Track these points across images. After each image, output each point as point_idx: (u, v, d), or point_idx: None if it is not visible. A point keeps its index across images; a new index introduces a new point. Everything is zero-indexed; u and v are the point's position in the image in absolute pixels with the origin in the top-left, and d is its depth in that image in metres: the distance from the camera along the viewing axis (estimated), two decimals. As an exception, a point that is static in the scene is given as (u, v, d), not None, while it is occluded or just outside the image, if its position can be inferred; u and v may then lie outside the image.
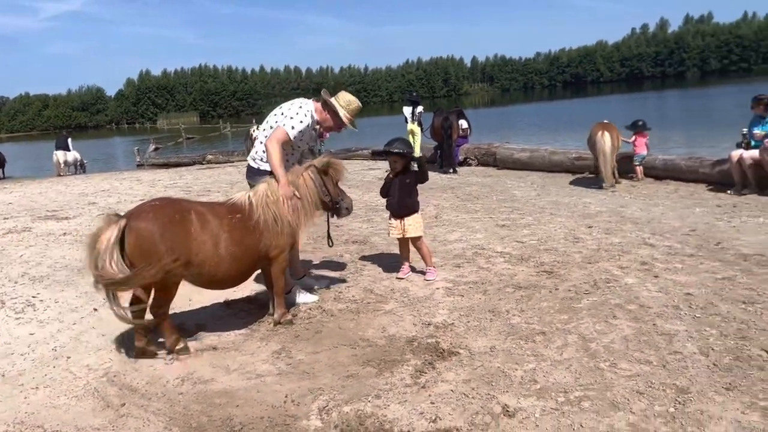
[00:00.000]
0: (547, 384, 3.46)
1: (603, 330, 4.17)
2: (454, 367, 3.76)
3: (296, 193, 4.58)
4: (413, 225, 5.54)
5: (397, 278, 5.64)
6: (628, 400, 3.22)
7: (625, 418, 3.05)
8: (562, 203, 8.92)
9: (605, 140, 9.73)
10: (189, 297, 5.25)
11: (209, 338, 4.53)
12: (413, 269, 5.78)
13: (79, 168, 21.75)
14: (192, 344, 4.36)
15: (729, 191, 8.80)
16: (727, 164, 9.07)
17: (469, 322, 4.48)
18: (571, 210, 8.34)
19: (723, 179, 9.21)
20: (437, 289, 5.28)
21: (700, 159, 10.07)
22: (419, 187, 5.66)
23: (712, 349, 3.74)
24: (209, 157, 21.59)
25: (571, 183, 11.02)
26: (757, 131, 8.68)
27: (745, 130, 8.96)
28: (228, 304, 5.25)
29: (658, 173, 10.49)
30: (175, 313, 4.48)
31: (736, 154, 8.83)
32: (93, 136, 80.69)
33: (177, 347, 4.21)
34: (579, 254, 6.06)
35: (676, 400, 3.18)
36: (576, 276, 5.37)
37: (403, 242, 5.69)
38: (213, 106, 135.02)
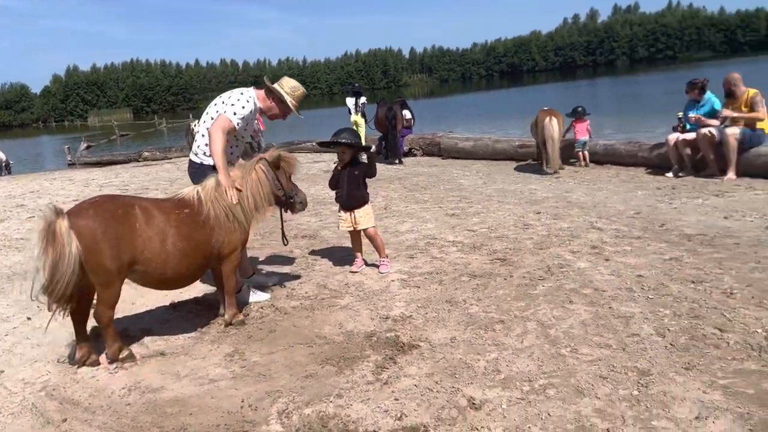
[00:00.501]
0: (510, 373, 3.42)
1: (561, 315, 4.17)
2: (416, 361, 3.67)
3: (237, 184, 4.36)
4: (364, 216, 5.42)
5: (350, 272, 5.51)
6: (593, 385, 3.21)
7: (591, 404, 3.03)
8: (508, 190, 8.98)
9: (553, 126, 9.87)
10: (132, 300, 4.98)
11: (156, 343, 4.29)
12: (366, 262, 5.66)
13: (3, 169, 20.58)
14: (137, 351, 4.12)
15: (667, 174, 9.06)
16: (665, 148, 9.34)
17: (427, 313, 4.40)
18: (518, 197, 8.40)
19: (661, 162, 9.48)
20: (392, 281, 5.19)
21: (638, 143, 10.35)
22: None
23: (668, 330, 3.78)
24: (146, 154, 20.82)
25: (516, 170, 11.14)
26: (692, 115, 8.96)
27: (680, 114, 9.24)
28: (174, 306, 5.00)
29: (599, 158, 10.72)
30: (117, 319, 4.21)
31: (672, 137, 9.10)
32: (18, 135, 76.87)
33: (121, 355, 3.96)
34: (530, 240, 6.08)
35: (639, 382, 3.19)
36: (529, 262, 5.38)
37: (355, 235, 5.56)
38: (147, 102, 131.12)
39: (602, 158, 10.69)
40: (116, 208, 3.81)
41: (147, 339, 4.36)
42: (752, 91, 8.48)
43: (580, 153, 10.67)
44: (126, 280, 3.96)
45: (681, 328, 3.79)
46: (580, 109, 10.78)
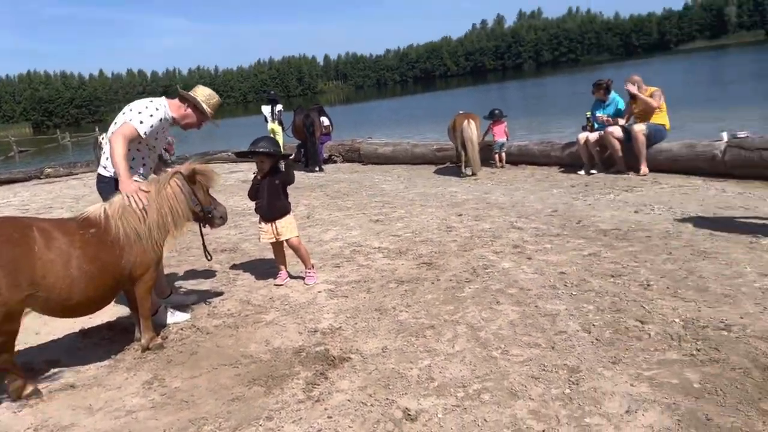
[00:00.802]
0: (444, 380, 3.37)
1: (489, 317, 4.17)
2: (348, 374, 3.56)
3: (143, 188, 4.10)
4: (286, 227, 5.26)
5: (274, 285, 5.33)
6: (525, 386, 3.20)
7: (526, 406, 3.02)
8: (430, 194, 9.03)
9: (472, 129, 10.03)
10: (36, 329, 4.60)
11: (65, 375, 3.95)
12: (290, 274, 5.49)
13: None
14: (44, 385, 3.78)
15: (579, 172, 9.40)
16: (576, 147, 9.69)
17: (356, 323, 4.30)
18: (440, 200, 8.46)
19: (573, 161, 9.82)
20: (319, 292, 5.05)
21: (551, 143, 10.69)
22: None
23: (593, 325, 3.85)
24: (48, 170, 19.54)
25: (435, 173, 11.25)
26: (600, 114, 9.35)
27: (588, 113, 9.63)
28: (85, 333, 4.65)
29: (513, 159, 10.99)
30: (19, 351, 3.86)
31: (582, 136, 9.45)
32: None
33: (25, 392, 3.61)
34: (454, 243, 6.11)
35: (570, 380, 3.22)
36: (455, 265, 5.39)
37: (277, 246, 5.38)
38: (48, 115, 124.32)
39: (517, 159, 10.97)
40: (11, 231, 3.48)
41: (54, 371, 4.01)
42: (652, 89, 8.99)
43: (497, 154, 10.90)
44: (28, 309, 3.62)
45: (605, 323, 3.88)
46: (497, 111, 11.02)
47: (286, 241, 5.26)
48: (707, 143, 8.36)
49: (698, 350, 3.37)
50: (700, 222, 5.88)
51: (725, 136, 8.18)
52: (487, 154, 10.97)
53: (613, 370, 3.28)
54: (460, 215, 7.33)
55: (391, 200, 8.78)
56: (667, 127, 8.99)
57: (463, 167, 10.56)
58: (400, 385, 3.36)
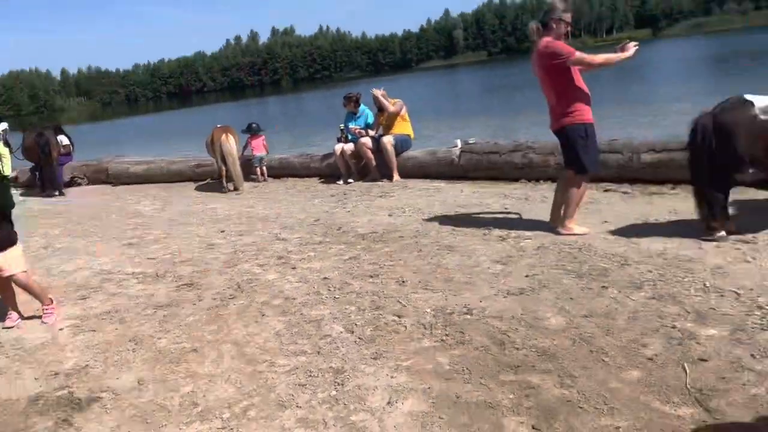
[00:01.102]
0: (208, 404, 3.19)
1: (255, 331, 4.08)
2: (98, 416, 3.18)
3: None
4: (10, 260, 4.50)
5: (3, 329, 4.57)
6: (293, 395, 3.18)
7: (294, 415, 2.99)
8: (190, 212, 8.62)
9: (230, 143, 9.85)
10: None
11: None
12: (22, 315, 4.75)
13: None
14: None
15: (338, 181, 9.76)
16: (333, 158, 10.05)
17: (107, 358, 3.88)
18: (201, 217, 8.12)
19: (332, 172, 10.16)
20: (61, 329, 4.45)
21: (310, 156, 10.93)
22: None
23: (356, 325, 3.98)
24: None
25: (196, 190, 10.81)
26: (352, 126, 9.83)
27: (342, 126, 10.06)
28: None
29: (276, 172, 11.03)
30: None
31: (338, 148, 9.84)
32: None
33: None
34: (217, 260, 5.89)
35: (335, 382, 3.27)
36: (218, 282, 5.18)
37: (3, 284, 4.60)
38: None
39: (279, 172, 11.02)
40: None
41: None
42: (395, 100, 9.73)
43: (258, 168, 10.84)
44: None
45: (366, 321, 4.03)
46: (254, 125, 10.98)
47: (11, 277, 4.53)
48: (446, 150, 9.27)
49: (447, 335, 3.67)
50: (444, 220, 6.47)
51: (459, 142, 9.16)
52: (250, 168, 10.85)
53: (374, 365, 3.41)
54: (223, 231, 7.11)
55: (146, 222, 8.18)
56: (412, 136, 9.78)
57: (224, 182, 10.29)
58: (160, 417, 3.10)
